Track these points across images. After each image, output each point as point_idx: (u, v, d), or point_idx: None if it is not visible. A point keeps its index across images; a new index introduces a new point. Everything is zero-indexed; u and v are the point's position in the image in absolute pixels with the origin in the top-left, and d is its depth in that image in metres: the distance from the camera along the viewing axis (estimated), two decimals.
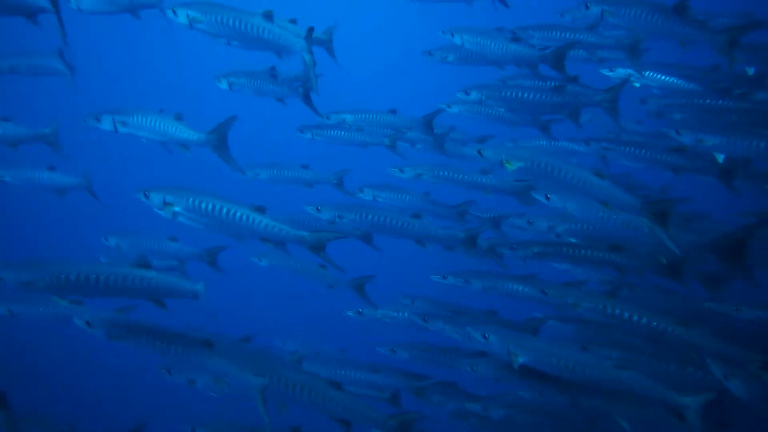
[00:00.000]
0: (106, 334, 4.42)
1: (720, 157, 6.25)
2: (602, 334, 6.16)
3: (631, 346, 5.89)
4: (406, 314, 7.04)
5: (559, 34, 7.23)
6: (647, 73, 7.15)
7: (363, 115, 7.47)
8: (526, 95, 6.75)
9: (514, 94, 6.79)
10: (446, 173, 7.18)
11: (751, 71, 6.91)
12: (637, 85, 7.32)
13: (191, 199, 4.92)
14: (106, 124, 5.61)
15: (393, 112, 7.37)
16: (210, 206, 4.92)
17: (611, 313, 5.54)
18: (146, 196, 5.02)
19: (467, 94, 7.19)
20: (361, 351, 7.39)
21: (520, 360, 4.93)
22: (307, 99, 6.59)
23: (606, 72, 7.25)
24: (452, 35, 6.93)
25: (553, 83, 6.65)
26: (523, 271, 6.69)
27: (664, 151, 6.74)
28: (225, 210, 4.93)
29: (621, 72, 7.05)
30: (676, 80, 7.05)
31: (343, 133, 7.67)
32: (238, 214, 4.95)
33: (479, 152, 5.64)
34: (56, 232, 13.07)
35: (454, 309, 7.05)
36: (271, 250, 6.27)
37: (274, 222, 5.04)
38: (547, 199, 5.77)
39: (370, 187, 7.43)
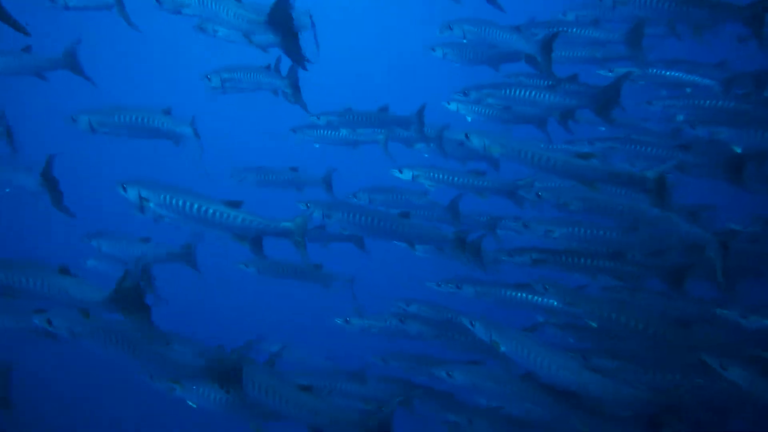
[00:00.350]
0: (68, 331, 4.27)
1: (737, 149, 5.98)
2: (602, 342, 5.87)
3: (632, 355, 5.60)
4: (392, 322, 6.79)
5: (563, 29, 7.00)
6: (651, 70, 6.88)
7: (353, 115, 7.27)
8: (524, 93, 6.55)
9: (512, 92, 6.61)
10: (442, 175, 6.93)
11: None
12: (642, 82, 7.06)
13: (164, 195, 4.78)
14: (83, 124, 5.49)
15: (384, 109, 7.15)
16: (181, 202, 4.76)
17: (608, 317, 5.30)
18: (124, 189, 4.90)
19: (466, 94, 7.01)
20: (352, 354, 7.15)
21: (502, 349, 4.89)
22: (296, 93, 6.36)
23: (605, 72, 6.99)
24: (450, 28, 6.76)
25: (550, 82, 6.45)
26: (521, 278, 6.43)
27: (670, 148, 6.45)
28: (196, 206, 4.77)
29: (621, 72, 6.77)
30: (681, 75, 6.75)
31: (333, 132, 7.48)
32: (211, 210, 4.79)
33: (466, 136, 5.46)
34: (49, 231, 12.96)
35: (449, 314, 6.78)
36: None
37: (251, 216, 4.87)
38: (538, 196, 5.55)
39: (364, 191, 7.24)
